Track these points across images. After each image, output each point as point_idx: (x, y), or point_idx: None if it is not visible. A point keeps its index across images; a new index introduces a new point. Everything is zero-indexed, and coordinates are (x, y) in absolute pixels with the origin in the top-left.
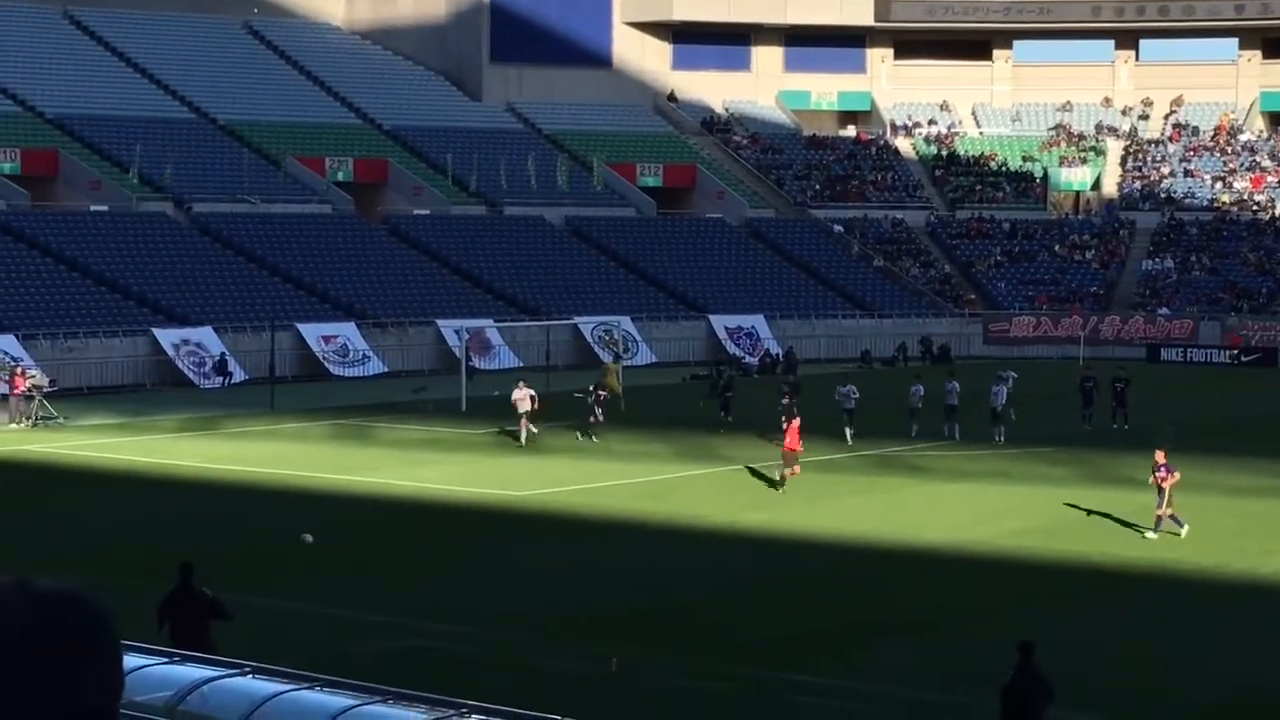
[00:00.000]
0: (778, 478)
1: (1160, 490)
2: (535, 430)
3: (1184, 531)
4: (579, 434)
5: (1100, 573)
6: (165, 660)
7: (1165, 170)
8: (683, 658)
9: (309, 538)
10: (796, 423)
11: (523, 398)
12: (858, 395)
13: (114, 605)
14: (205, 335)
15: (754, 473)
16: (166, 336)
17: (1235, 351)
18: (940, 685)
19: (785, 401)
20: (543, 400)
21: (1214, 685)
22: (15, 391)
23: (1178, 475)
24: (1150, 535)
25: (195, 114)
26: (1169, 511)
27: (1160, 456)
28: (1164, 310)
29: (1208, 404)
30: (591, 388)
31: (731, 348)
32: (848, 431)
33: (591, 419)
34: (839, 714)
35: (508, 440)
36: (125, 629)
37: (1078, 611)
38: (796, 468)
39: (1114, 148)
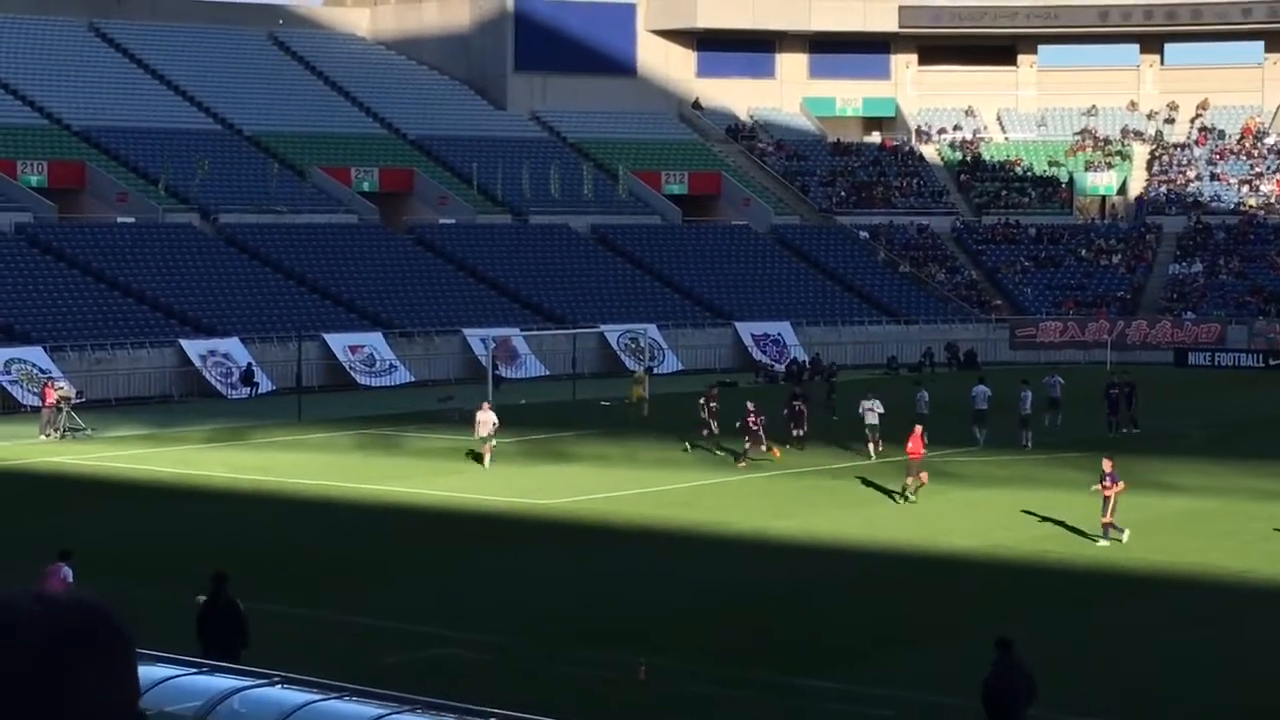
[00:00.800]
0: (912, 493)
1: (1105, 499)
2: (492, 455)
3: (1125, 536)
4: (688, 445)
5: (1128, 577)
6: (194, 670)
7: (1191, 174)
8: (707, 665)
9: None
10: (919, 429)
11: (485, 420)
12: (882, 410)
13: (138, 615)
14: (232, 346)
15: (871, 484)
16: (193, 347)
17: None
18: (959, 690)
19: (754, 420)
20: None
21: (1231, 688)
22: (46, 404)
23: (1122, 485)
24: (1102, 543)
25: (221, 125)
26: (1110, 520)
27: (1108, 465)
28: (1189, 315)
29: (1236, 408)
30: (701, 401)
31: (758, 355)
32: (871, 449)
33: (705, 432)
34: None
35: (507, 449)
36: (154, 640)
37: (1098, 615)
38: (924, 474)
39: (1140, 152)
